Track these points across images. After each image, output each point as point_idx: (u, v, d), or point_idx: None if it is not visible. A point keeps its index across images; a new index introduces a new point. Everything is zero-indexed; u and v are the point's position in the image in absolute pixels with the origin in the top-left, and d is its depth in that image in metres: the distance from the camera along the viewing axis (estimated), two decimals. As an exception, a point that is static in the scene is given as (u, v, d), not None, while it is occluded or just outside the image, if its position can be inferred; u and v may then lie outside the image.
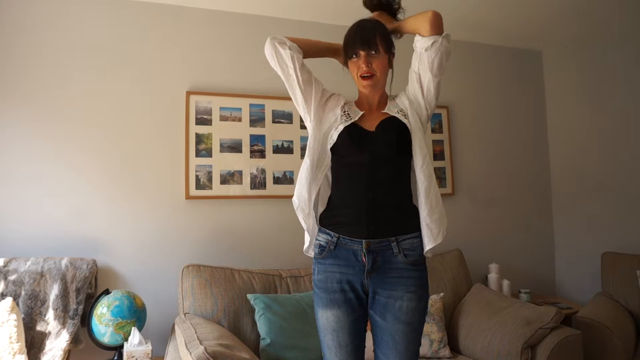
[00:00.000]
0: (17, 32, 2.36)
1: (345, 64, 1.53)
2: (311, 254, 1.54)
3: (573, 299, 3.21)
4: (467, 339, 2.39)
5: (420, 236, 1.43)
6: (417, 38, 1.43)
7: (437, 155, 3.14)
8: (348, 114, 1.49)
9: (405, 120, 1.45)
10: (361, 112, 1.49)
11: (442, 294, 2.53)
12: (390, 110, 1.49)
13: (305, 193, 1.46)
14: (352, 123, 1.46)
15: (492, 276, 2.96)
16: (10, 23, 2.35)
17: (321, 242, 1.48)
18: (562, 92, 3.44)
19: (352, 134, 1.45)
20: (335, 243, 1.44)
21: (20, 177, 2.31)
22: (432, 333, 2.33)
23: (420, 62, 1.44)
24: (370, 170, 1.43)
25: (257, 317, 2.16)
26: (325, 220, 1.50)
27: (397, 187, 1.45)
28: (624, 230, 3.00)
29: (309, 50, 1.54)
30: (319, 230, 1.50)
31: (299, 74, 1.46)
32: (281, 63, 1.47)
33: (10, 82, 2.33)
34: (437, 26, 1.39)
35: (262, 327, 2.13)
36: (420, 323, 1.43)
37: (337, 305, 1.43)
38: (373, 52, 1.44)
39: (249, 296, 2.23)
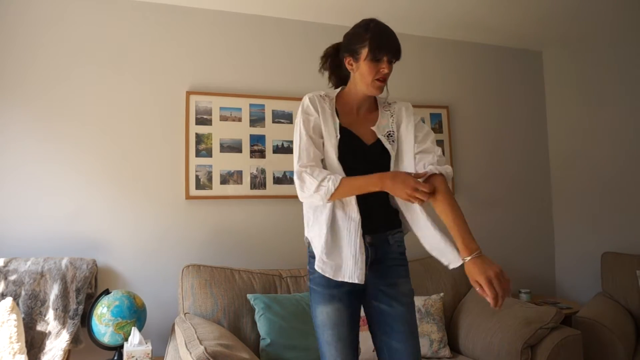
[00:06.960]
0: (17, 30, 2.36)
1: (351, 59, 1.50)
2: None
3: (573, 299, 3.22)
4: (467, 339, 2.39)
5: (401, 231, 1.55)
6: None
7: (437, 155, 3.13)
8: (339, 121, 1.49)
9: (389, 146, 1.50)
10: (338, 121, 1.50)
11: (442, 294, 2.52)
12: (381, 123, 1.54)
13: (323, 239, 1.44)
14: (347, 133, 1.48)
15: (492, 276, 2.95)
16: (10, 22, 2.35)
17: None
18: (562, 92, 3.44)
19: (348, 145, 1.48)
20: None
21: (20, 176, 2.31)
22: (432, 333, 2.33)
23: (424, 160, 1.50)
24: None
25: (257, 317, 2.16)
26: None
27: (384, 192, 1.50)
28: (624, 230, 3.00)
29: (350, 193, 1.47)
30: None
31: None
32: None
33: (10, 81, 2.33)
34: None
35: (262, 327, 2.13)
36: (414, 305, 1.53)
37: (338, 299, 1.47)
38: (394, 61, 1.49)
39: (249, 296, 2.23)
